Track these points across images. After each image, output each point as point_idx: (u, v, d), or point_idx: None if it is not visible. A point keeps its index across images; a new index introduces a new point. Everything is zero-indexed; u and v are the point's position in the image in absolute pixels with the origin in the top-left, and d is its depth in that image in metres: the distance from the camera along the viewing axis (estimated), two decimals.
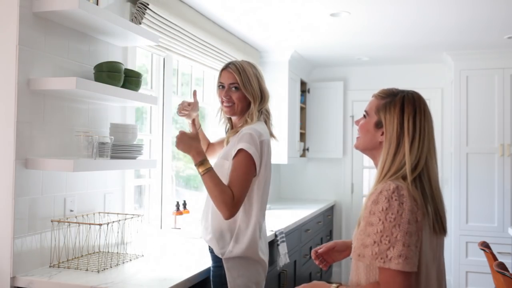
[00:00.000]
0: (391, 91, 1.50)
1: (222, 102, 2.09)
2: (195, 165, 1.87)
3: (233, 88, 2.04)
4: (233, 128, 2.12)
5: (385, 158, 1.41)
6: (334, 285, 1.39)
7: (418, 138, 1.40)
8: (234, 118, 2.13)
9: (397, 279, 1.27)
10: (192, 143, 1.90)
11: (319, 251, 1.77)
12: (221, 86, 2.08)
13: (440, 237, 1.43)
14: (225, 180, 1.92)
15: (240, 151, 1.91)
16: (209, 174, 1.85)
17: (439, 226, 1.39)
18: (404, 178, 1.37)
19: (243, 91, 2.03)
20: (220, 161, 2.03)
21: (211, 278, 2.03)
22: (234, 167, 1.90)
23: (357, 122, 1.56)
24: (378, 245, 1.28)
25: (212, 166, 1.92)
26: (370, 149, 1.51)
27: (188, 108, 2.19)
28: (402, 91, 1.50)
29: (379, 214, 1.30)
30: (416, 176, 1.38)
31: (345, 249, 1.77)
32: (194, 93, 2.30)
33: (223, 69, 2.08)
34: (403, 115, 1.42)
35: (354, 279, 1.43)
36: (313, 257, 1.79)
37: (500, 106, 4.40)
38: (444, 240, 1.47)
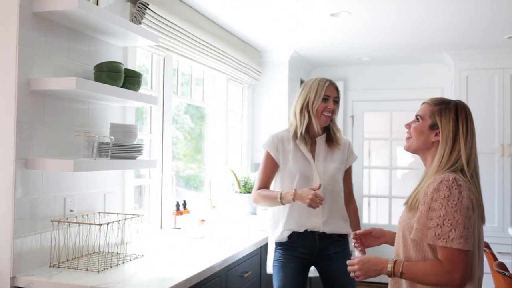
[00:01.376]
0: (444, 100, 1.73)
1: (321, 112, 2.40)
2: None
3: (335, 101, 2.43)
4: (308, 133, 2.43)
5: (442, 154, 1.64)
6: (391, 260, 1.61)
7: (470, 139, 1.66)
8: (319, 127, 2.42)
9: (460, 256, 1.50)
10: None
11: (358, 232, 1.95)
12: (326, 98, 2.40)
13: (482, 225, 1.65)
14: (339, 182, 2.44)
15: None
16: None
17: (483, 215, 1.63)
18: (458, 171, 1.60)
19: (338, 106, 2.47)
20: (339, 166, 2.45)
21: None
22: (351, 172, 2.60)
23: (409, 125, 1.77)
24: (441, 227, 1.50)
25: (318, 170, 2.39)
26: (422, 149, 1.72)
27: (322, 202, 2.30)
28: (453, 100, 1.73)
29: (441, 200, 1.52)
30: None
31: (380, 236, 1.95)
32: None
33: (329, 84, 2.43)
34: (457, 119, 1.67)
35: (405, 257, 1.63)
36: (352, 237, 1.97)
37: (500, 106, 4.40)
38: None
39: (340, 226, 2.42)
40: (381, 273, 1.64)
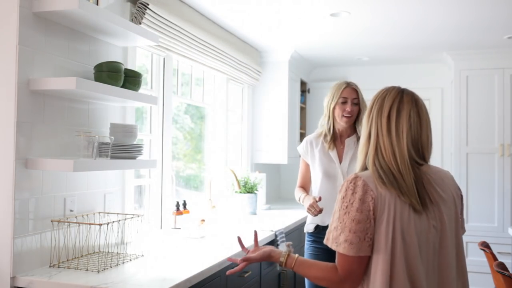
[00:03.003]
0: (384, 89, 1.66)
1: (341, 114, 2.52)
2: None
3: (354, 103, 2.52)
4: (333, 134, 2.58)
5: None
6: (284, 253, 1.56)
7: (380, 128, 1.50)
8: (344, 127, 2.56)
9: (347, 263, 1.40)
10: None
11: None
12: (344, 101, 2.51)
13: (418, 219, 1.40)
14: None
15: None
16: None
17: (416, 208, 1.39)
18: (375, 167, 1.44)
19: (360, 106, 2.55)
20: None
21: None
22: None
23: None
24: (336, 230, 1.42)
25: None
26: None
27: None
28: (395, 87, 1.65)
29: (339, 202, 1.43)
30: (374, 163, 1.44)
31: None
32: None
33: (346, 86, 2.53)
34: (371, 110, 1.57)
35: None
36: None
37: (500, 106, 4.40)
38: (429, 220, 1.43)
39: None
40: (272, 260, 1.59)
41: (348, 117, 2.52)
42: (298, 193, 2.69)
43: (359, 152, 1.53)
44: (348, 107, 2.51)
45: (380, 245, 1.37)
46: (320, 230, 2.57)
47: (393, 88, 1.58)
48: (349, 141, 2.58)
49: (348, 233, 1.37)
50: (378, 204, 1.38)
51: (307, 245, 2.68)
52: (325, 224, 2.54)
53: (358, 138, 2.55)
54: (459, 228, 1.51)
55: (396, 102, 1.51)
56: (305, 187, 2.76)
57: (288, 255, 1.56)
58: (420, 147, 1.47)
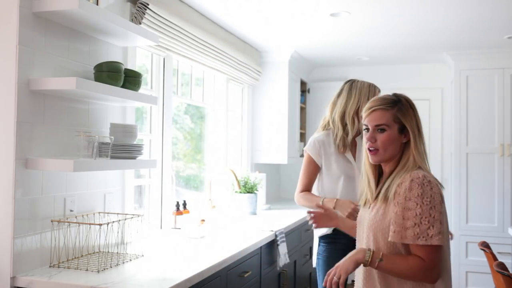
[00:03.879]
0: (391, 97, 1.68)
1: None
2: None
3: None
4: (348, 137, 2.51)
5: (414, 152, 1.62)
6: (369, 252, 1.57)
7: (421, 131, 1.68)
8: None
9: (438, 253, 1.52)
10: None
11: (313, 212, 2.08)
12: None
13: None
14: None
15: None
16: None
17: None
18: (421, 167, 1.61)
19: None
20: None
21: None
22: None
23: (373, 138, 1.65)
24: (419, 226, 1.50)
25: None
26: (396, 155, 1.66)
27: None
28: (396, 95, 1.69)
29: (416, 199, 1.51)
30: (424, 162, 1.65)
31: (334, 218, 2.07)
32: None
33: (379, 90, 2.58)
34: (414, 112, 1.67)
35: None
36: (308, 216, 2.11)
37: (500, 106, 4.40)
38: None
39: None
40: (358, 261, 1.57)
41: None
42: (311, 197, 2.51)
43: (414, 149, 1.63)
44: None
45: (447, 234, 1.57)
46: (338, 231, 2.44)
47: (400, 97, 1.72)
48: (359, 140, 2.52)
49: (440, 225, 1.49)
50: (443, 196, 1.57)
51: (322, 248, 2.56)
52: None
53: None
54: None
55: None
56: (309, 191, 2.61)
57: (373, 252, 1.57)
58: None
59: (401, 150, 1.65)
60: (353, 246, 2.43)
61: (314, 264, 2.66)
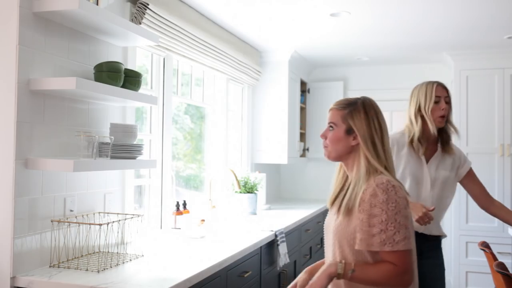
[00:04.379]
0: (350, 100, 1.71)
1: (436, 114, 2.40)
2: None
3: (446, 101, 2.42)
4: (424, 137, 2.43)
5: (367, 157, 1.62)
6: (341, 264, 1.55)
7: (383, 135, 1.65)
8: (435, 129, 2.42)
9: (408, 257, 1.51)
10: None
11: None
12: (437, 100, 2.40)
13: None
14: (448, 189, 2.46)
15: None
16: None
17: None
18: (384, 172, 1.60)
19: (450, 105, 2.45)
20: (448, 174, 2.47)
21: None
22: (476, 176, 2.60)
23: (324, 135, 1.73)
24: (385, 232, 1.49)
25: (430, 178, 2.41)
26: (343, 155, 1.69)
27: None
28: (359, 98, 1.71)
29: (381, 205, 1.50)
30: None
31: None
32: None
33: (437, 85, 2.43)
34: (368, 117, 1.65)
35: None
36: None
37: (500, 106, 4.40)
38: None
39: (436, 229, 2.46)
40: (331, 275, 1.54)
41: (443, 116, 2.41)
42: None
43: (364, 153, 1.64)
44: (442, 105, 2.40)
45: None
46: None
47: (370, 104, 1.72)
48: (438, 145, 2.47)
49: (405, 230, 1.49)
50: (408, 199, 1.57)
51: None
52: (432, 233, 2.43)
53: (442, 142, 2.45)
54: None
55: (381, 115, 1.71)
56: None
57: (345, 264, 1.55)
58: None
59: (353, 153, 1.67)
60: None
61: None
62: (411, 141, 2.44)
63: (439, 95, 2.42)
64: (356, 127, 1.65)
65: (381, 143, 1.63)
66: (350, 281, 1.56)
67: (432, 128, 2.40)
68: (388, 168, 1.62)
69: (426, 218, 2.20)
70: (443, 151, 2.47)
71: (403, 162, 2.45)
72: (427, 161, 2.45)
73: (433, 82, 2.46)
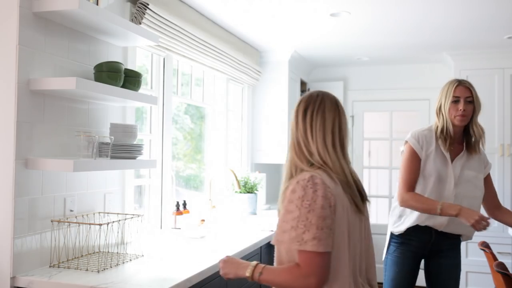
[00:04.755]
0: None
1: (453, 114, 2.41)
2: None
3: (468, 101, 2.41)
4: (452, 137, 2.43)
5: (293, 154, 1.60)
6: (253, 263, 1.54)
7: (318, 129, 1.56)
8: (459, 128, 2.44)
9: (314, 260, 1.41)
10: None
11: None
12: (456, 100, 2.41)
13: (359, 218, 1.56)
14: (476, 189, 2.43)
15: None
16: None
17: (359, 207, 1.55)
18: (318, 167, 1.53)
19: (474, 104, 2.42)
20: (475, 174, 2.45)
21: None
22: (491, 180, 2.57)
23: None
24: (295, 230, 1.42)
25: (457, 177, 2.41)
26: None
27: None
28: (308, 93, 1.66)
29: (296, 201, 1.44)
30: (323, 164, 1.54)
31: None
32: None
33: (457, 84, 2.43)
34: (298, 112, 1.61)
35: (278, 262, 1.58)
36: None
37: (500, 106, 4.40)
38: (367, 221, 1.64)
39: (464, 228, 2.43)
40: (241, 275, 1.56)
41: (462, 116, 2.39)
42: (425, 199, 2.35)
43: (294, 151, 1.59)
44: (460, 106, 2.39)
45: (340, 239, 1.45)
46: (411, 232, 2.47)
47: (327, 98, 1.62)
48: (464, 145, 2.47)
49: (316, 230, 1.40)
50: (337, 200, 1.46)
51: (393, 248, 2.53)
52: (424, 225, 2.43)
53: (467, 141, 2.45)
54: None
55: (336, 116, 1.59)
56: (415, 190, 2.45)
57: (256, 265, 1.53)
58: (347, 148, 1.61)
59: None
60: (423, 249, 2.49)
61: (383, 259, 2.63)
62: (436, 137, 2.44)
63: (458, 95, 2.41)
64: (291, 122, 1.63)
65: (312, 139, 1.55)
66: (262, 283, 1.53)
67: (447, 127, 2.41)
68: (324, 164, 1.52)
69: (482, 222, 2.18)
70: (467, 152, 2.47)
71: (431, 158, 2.43)
72: (452, 160, 2.45)
73: (455, 81, 2.45)
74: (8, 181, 1.88)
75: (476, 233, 4.41)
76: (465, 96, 2.42)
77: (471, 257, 4.42)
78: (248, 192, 3.92)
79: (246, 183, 3.95)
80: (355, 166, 5.29)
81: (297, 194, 1.45)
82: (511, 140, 4.36)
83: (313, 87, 5.35)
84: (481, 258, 3.99)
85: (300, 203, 1.43)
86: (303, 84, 5.19)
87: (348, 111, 5.37)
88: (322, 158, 1.53)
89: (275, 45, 4.32)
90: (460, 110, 2.39)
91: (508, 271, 2.29)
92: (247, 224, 3.42)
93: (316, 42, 4.20)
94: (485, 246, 2.81)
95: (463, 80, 2.48)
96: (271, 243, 1.52)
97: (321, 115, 1.57)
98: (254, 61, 4.40)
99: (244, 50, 4.17)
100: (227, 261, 1.64)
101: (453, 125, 2.42)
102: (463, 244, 4.42)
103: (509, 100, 4.38)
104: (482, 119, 4.63)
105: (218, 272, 2.22)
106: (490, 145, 4.41)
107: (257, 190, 3.98)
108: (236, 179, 3.67)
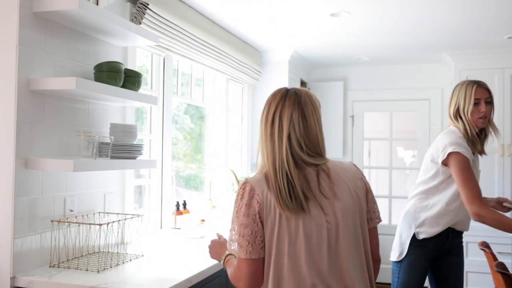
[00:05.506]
0: None
1: (476, 116, 2.39)
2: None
3: (487, 102, 2.41)
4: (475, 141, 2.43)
5: (261, 152, 1.56)
6: (227, 252, 1.62)
7: (268, 130, 1.50)
8: (473, 130, 2.42)
9: (241, 264, 1.43)
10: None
11: None
12: (477, 102, 2.40)
13: (308, 220, 1.41)
14: None
15: None
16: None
17: (303, 207, 1.41)
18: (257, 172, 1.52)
19: (492, 105, 2.43)
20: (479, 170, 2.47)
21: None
22: None
23: None
24: (230, 232, 1.48)
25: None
26: None
27: None
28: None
29: (234, 206, 1.49)
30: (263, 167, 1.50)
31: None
32: None
33: (477, 86, 2.41)
34: (264, 110, 1.53)
35: None
36: None
37: (500, 106, 4.40)
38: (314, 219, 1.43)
39: (468, 224, 2.56)
40: (219, 260, 1.69)
41: (484, 118, 2.40)
42: (506, 219, 2.26)
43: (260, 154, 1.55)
44: (482, 108, 2.39)
45: (270, 247, 1.41)
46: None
47: (279, 91, 1.54)
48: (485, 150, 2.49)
49: (238, 237, 1.42)
50: (264, 208, 1.41)
51: (412, 250, 2.48)
52: (466, 230, 2.51)
53: (485, 141, 2.46)
54: (364, 219, 1.52)
55: (279, 107, 1.49)
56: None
57: (227, 255, 1.62)
58: (311, 146, 1.48)
59: None
60: (438, 250, 2.49)
61: (392, 258, 2.56)
62: (468, 141, 2.41)
63: (479, 97, 2.40)
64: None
65: (262, 136, 1.51)
66: None
67: (470, 130, 2.40)
68: (265, 164, 1.48)
69: None
70: (480, 150, 2.48)
71: (473, 166, 2.39)
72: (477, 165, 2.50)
73: (473, 83, 2.43)
74: (8, 181, 1.88)
75: (476, 233, 4.42)
76: (485, 97, 2.41)
77: (471, 257, 4.42)
78: None
79: None
80: None
81: (235, 199, 1.49)
82: (511, 140, 4.36)
83: (313, 87, 5.36)
84: (481, 258, 3.99)
85: (234, 209, 1.47)
86: (303, 84, 5.19)
87: (348, 111, 5.37)
88: (263, 157, 1.51)
89: (275, 45, 4.32)
90: (482, 111, 2.39)
91: (508, 271, 2.29)
92: None
93: (316, 42, 4.20)
94: (485, 246, 2.81)
95: (480, 81, 2.45)
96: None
97: (266, 108, 1.52)
98: (254, 61, 4.40)
99: (244, 50, 4.17)
100: (215, 244, 1.75)
101: (476, 127, 2.41)
102: (463, 244, 4.43)
103: (509, 100, 4.38)
104: None
105: (218, 272, 2.23)
106: (490, 145, 4.40)
107: None
108: (236, 179, 3.67)
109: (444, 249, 2.52)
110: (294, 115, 1.46)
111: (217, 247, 1.73)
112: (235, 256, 1.57)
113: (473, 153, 2.44)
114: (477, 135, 2.44)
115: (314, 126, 1.49)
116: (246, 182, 1.47)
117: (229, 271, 1.54)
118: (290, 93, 1.51)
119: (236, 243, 1.43)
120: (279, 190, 1.41)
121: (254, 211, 1.41)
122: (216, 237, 1.84)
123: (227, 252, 1.62)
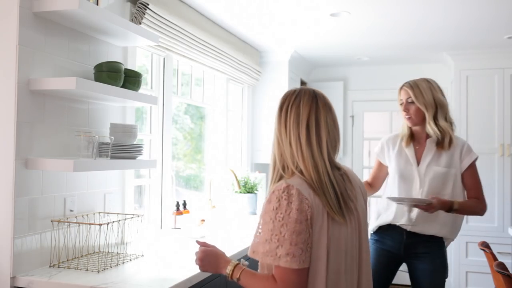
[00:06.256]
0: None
1: (404, 116, 2.52)
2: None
3: (409, 103, 2.48)
4: (413, 136, 2.54)
5: (275, 155, 1.51)
6: (234, 262, 1.47)
7: (306, 128, 1.45)
8: (417, 128, 2.52)
9: (289, 275, 1.32)
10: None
11: None
12: (401, 102, 2.53)
13: (346, 226, 1.42)
14: (446, 186, 2.41)
15: (475, 160, 2.44)
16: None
17: (343, 216, 1.41)
18: (298, 175, 1.42)
19: (417, 104, 2.44)
20: (444, 170, 2.42)
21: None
22: (474, 174, 2.44)
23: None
24: (269, 243, 1.33)
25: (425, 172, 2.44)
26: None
27: None
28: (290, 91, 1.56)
29: (271, 213, 1.35)
30: (301, 172, 1.42)
31: None
32: None
33: (400, 89, 2.56)
34: (281, 112, 1.50)
35: (260, 266, 1.48)
36: None
37: (500, 106, 4.40)
38: (356, 229, 1.47)
39: (433, 227, 2.43)
40: (219, 272, 1.51)
41: (408, 118, 2.49)
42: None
43: (274, 154, 1.50)
44: (404, 108, 2.51)
45: (318, 254, 1.35)
46: (385, 230, 2.54)
47: (304, 92, 1.51)
48: (429, 142, 2.47)
49: (289, 246, 1.31)
50: (314, 213, 1.35)
51: (371, 242, 2.59)
52: (424, 233, 2.43)
53: (436, 140, 2.45)
54: (367, 222, 1.59)
55: (312, 110, 1.46)
56: (371, 184, 2.75)
57: (236, 265, 1.47)
58: (335, 149, 1.50)
59: None
60: (398, 249, 2.49)
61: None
62: (401, 140, 2.57)
63: (401, 98, 2.54)
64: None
65: (290, 145, 1.45)
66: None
67: (403, 128, 2.55)
68: (304, 168, 1.41)
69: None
70: (437, 149, 2.46)
71: (393, 159, 2.55)
72: (419, 159, 2.49)
73: (401, 86, 2.56)
74: (8, 181, 1.88)
75: (476, 233, 4.42)
76: (406, 98, 2.50)
77: (471, 257, 4.42)
78: (248, 192, 3.92)
79: (246, 183, 3.95)
80: (355, 166, 5.31)
81: (271, 205, 1.36)
82: (511, 140, 4.36)
83: (313, 87, 5.35)
84: (481, 258, 3.99)
85: (274, 216, 1.34)
86: (303, 84, 5.19)
87: (348, 111, 5.37)
88: (295, 160, 1.44)
89: (275, 45, 4.32)
90: (404, 111, 2.50)
91: (508, 271, 2.29)
92: (247, 224, 3.42)
93: (316, 42, 4.20)
94: (485, 246, 2.81)
95: (407, 82, 2.54)
96: (248, 254, 1.44)
97: (295, 111, 1.46)
98: (254, 61, 4.40)
99: (244, 50, 4.17)
100: (209, 254, 1.54)
101: (408, 126, 2.53)
102: (463, 244, 4.43)
103: (509, 100, 4.38)
104: (482, 119, 4.64)
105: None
106: (490, 145, 4.42)
107: (257, 190, 3.98)
108: (236, 179, 3.67)
109: (407, 251, 2.47)
110: (329, 119, 1.47)
111: (212, 258, 1.54)
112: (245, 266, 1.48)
113: (410, 144, 2.52)
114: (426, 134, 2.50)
115: (338, 131, 1.52)
116: (288, 185, 1.36)
117: (255, 284, 1.41)
118: (318, 95, 1.51)
119: (286, 253, 1.31)
120: (329, 195, 1.38)
121: (306, 216, 1.33)
122: (199, 246, 1.61)
123: (234, 262, 1.48)
